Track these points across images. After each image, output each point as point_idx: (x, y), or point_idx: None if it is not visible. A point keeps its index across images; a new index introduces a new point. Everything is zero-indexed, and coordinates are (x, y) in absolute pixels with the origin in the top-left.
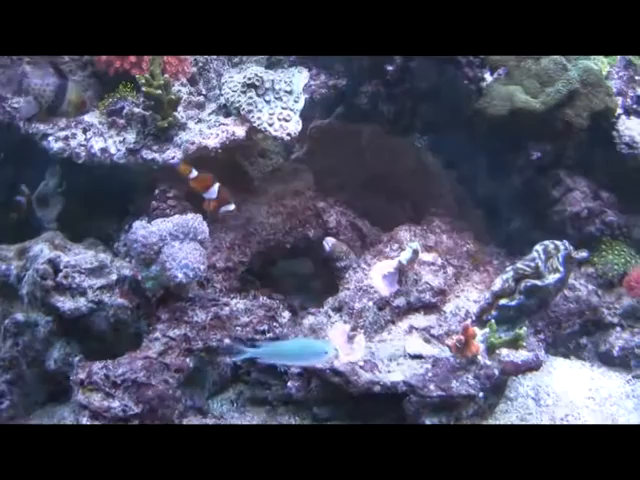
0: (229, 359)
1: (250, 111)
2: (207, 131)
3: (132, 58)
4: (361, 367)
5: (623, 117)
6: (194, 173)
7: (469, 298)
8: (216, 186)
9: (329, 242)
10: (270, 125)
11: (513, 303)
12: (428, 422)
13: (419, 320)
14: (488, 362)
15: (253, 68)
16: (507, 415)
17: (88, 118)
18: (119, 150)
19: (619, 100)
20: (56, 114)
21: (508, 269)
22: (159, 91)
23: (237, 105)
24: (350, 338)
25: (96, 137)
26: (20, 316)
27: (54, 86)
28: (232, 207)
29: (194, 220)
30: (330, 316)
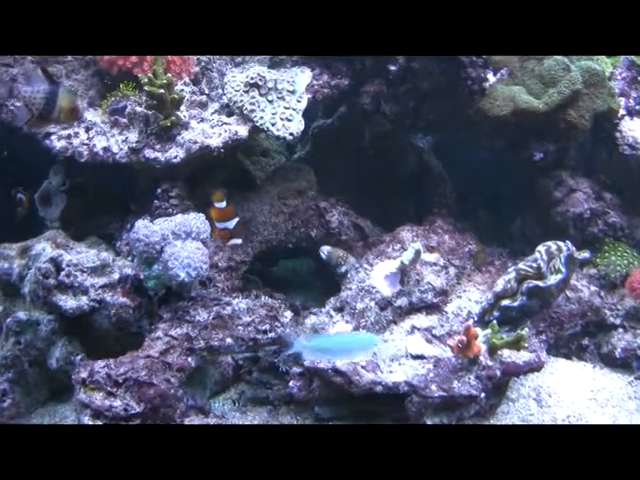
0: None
1: (253, 110)
2: (210, 130)
3: (134, 57)
4: (363, 367)
5: (626, 118)
6: (223, 204)
7: (471, 299)
8: (235, 220)
9: (325, 250)
10: (273, 125)
11: (515, 304)
12: (430, 422)
13: (421, 320)
14: (490, 363)
15: (256, 68)
16: (508, 416)
17: (91, 117)
18: (121, 149)
19: (622, 101)
20: (48, 121)
21: (510, 270)
22: (162, 90)
23: (240, 104)
24: None
25: (99, 136)
26: (22, 315)
27: (44, 93)
28: (240, 241)
29: (196, 219)
30: (332, 316)
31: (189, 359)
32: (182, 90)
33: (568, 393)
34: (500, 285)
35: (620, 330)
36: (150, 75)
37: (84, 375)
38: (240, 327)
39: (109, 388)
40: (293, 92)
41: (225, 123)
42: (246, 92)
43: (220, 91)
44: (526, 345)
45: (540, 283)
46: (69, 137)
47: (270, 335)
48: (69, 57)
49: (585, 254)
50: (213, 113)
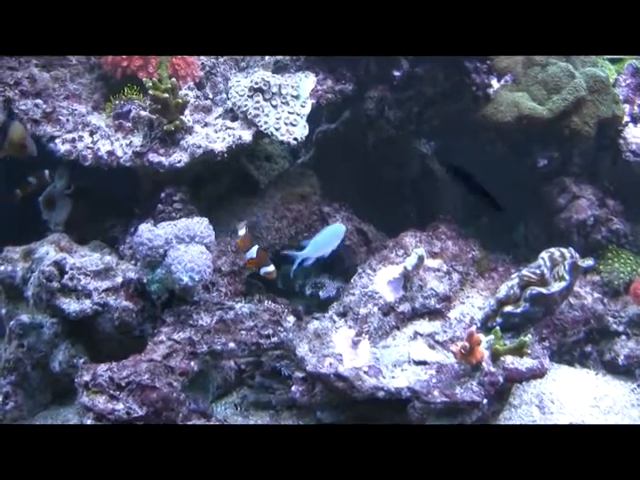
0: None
1: (257, 115)
2: (214, 135)
3: (139, 61)
4: (365, 372)
5: (630, 125)
6: (243, 231)
7: (474, 305)
8: (255, 248)
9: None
10: (277, 129)
11: (518, 310)
12: None
13: (424, 326)
14: (492, 369)
15: (260, 72)
16: (511, 422)
17: (95, 121)
18: (125, 153)
19: (626, 108)
20: None
21: (513, 276)
22: (166, 94)
23: (244, 109)
24: (355, 343)
25: (103, 140)
26: (25, 318)
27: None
28: (271, 269)
29: (200, 224)
30: (335, 321)
31: (192, 363)
32: (186, 94)
33: (571, 400)
34: (503, 291)
35: (623, 337)
36: (155, 79)
37: (87, 378)
38: (243, 331)
39: (112, 391)
40: (297, 97)
41: (229, 128)
42: (250, 97)
43: (224, 96)
44: (529, 351)
45: (543, 290)
46: (73, 141)
47: (273, 340)
48: (74, 60)
49: (589, 262)
50: (217, 118)
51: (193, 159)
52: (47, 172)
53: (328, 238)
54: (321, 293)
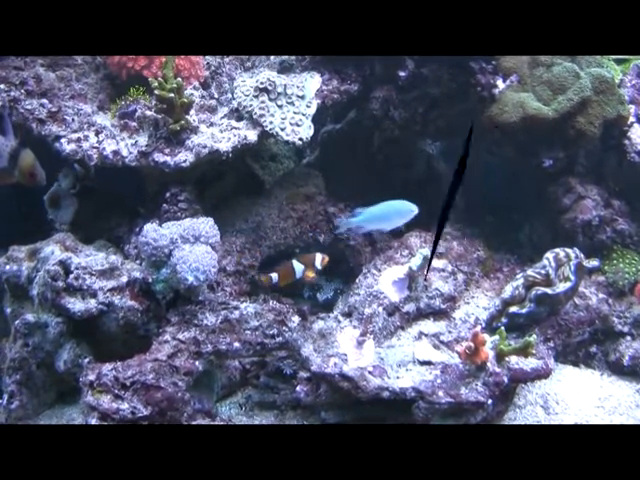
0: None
1: (262, 115)
2: (219, 135)
3: (143, 60)
4: (370, 373)
5: (635, 125)
6: (275, 278)
7: (479, 305)
8: (299, 268)
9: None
10: (282, 129)
11: (523, 311)
12: None
13: (429, 326)
14: (497, 369)
15: (266, 72)
16: (515, 422)
17: (100, 120)
18: (131, 153)
19: (632, 108)
20: (5, 175)
21: (518, 276)
22: (171, 94)
23: (249, 109)
24: (359, 343)
25: (108, 139)
26: (30, 317)
27: (11, 149)
28: (321, 258)
29: (205, 223)
30: (340, 321)
31: (196, 363)
32: (192, 94)
33: (575, 400)
34: (508, 292)
35: (628, 338)
36: (160, 79)
37: (92, 378)
38: (248, 331)
39: (117, 391)
40: (302, 97)
41: (234, 127)
42: (256, 97)
43: (230, 95)
44: (534, 352)
45: (548, 290)
46: (79, 140)
47: (278, 339)
48: (79, 60)
49: (594, 262)
50: (222, 117)
51: (198, 159)
52: None
53: (390, 213)
54: (319, 295)
